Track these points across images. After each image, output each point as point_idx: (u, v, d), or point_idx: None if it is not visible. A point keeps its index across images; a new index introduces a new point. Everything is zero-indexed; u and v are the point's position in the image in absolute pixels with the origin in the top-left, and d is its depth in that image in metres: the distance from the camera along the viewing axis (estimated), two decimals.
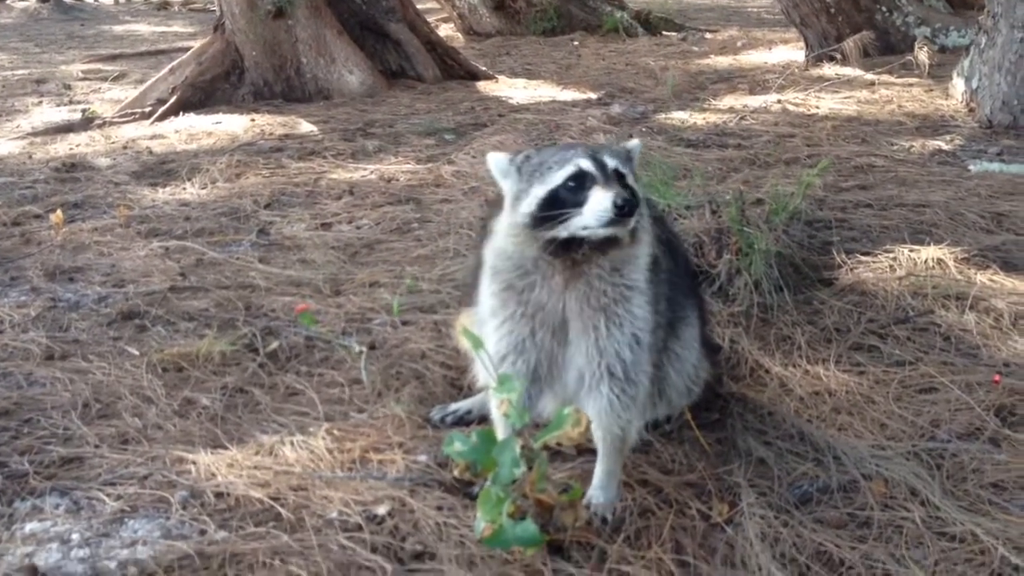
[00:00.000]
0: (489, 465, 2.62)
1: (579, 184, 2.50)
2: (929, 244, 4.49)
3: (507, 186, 2.66)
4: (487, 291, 2.82)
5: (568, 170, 2.52)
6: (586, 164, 2.52)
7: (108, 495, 3.04)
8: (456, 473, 2.92)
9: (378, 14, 10.36)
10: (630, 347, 2.72)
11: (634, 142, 2.80)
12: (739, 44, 13.47)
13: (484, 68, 10.98)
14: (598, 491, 2.85)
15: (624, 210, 2.44)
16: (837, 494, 2.92)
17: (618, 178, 2.53)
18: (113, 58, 14.56)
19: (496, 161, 2.66)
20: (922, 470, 2.98)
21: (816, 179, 4.68)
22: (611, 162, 2.55)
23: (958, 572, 2.59)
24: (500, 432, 2.76)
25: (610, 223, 2.47)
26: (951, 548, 2.68)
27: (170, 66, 9.88)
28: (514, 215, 2.61)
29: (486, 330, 2.83)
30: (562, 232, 2.53)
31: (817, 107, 8.17)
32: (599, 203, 2.45)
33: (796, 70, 10.27)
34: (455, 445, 2.61)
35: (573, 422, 2.57)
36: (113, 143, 8.33)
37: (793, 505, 2.86)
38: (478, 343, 2.70)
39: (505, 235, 2.67)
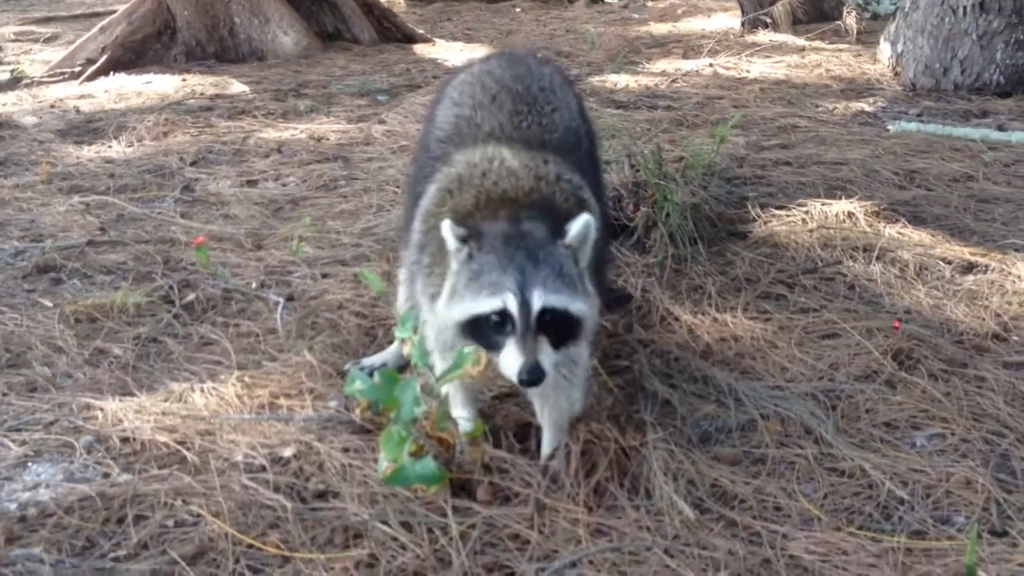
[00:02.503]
0: (391, 404, 2.65)
1: (501, 322, 2.49)
2: (841, 199, 4.57)
3: (452, 264, 2.62)
4: (426, 292, 2.84)
5: (494, 304, 2.49)
6: (512, 305, 2.46)
7: (13, 441, 3.04)
8: (358, 412, 2.94)
9: None
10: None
11: (579, 225, 2.60)
12: (679, 12, 13.49)
13: (422, 32, 10.92)
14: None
15: (528, 384, 2.47)
16: (735, 433, 2.99)
17: (541, 321, 2.47)
18: (47, 20, 14.29)
19: (451, 233, 2.57)
20: (818, 410, 3.06)
21: (729, 133, 4.74)
22: (538, 300, 2.46)
23: (845, 504, 2.68)
24: (456, 395, 2.88)
25: (519, 385, 2.52)
26: (840, 483, 2.76)
27: (100, 25, 9.70)
28: (448, 312, 2.61)
29: (425, 311, 2.86)
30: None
31: (747, 71, 8.23)
32: (508, 363, 2.47)
33: (731, 36, 10.33)
34: (356, 384, 2.63)
35: (473, 361, 2.60)
36: (40, 102, 8.19)
37: (695, 443, 2.92)
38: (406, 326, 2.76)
39: (442, 324, 2.67)
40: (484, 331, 2.53)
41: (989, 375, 3.23)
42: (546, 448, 2.86)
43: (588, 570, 2.42)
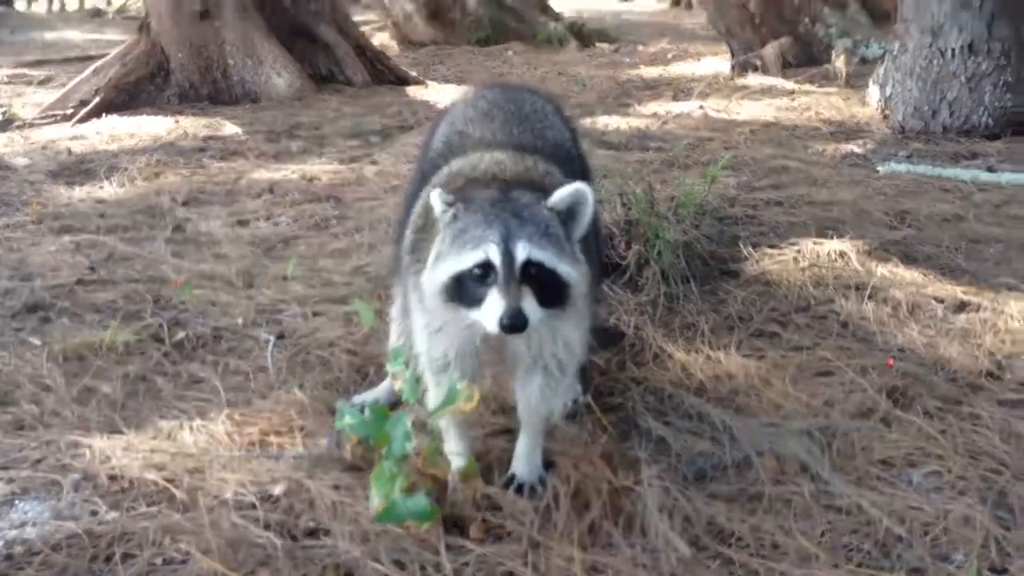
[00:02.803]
0: (382, 440, 2.62)
1: (484, 273, 2.45)
2: (833, 238, 4.58)
3: (440, 233, 2.59)
4: (420, 311, 2.81)
5: (476, 256, 2.45)
6: (494, 254, 2.43)
7: (0, 479, 3.00)
8: (349, 449, 2.91)
9: (307, 18, 10.34)
10: (566, 348, 2.77)
11: (568, 189, 2.58)
12: (669, 56, 13.65)
13: (414, 74, 10.99)
14: (522, 463, 2.89)
15: (509, 329, 2.40)
16: (731, 470, 2.97)
17: (526, 272, 2.44)
18: (40, 63, 14.35)
19: (438, 200, 2.55)
20: (814, 447, 3.04)
21: (719, 173, 4.76)
22: (522, 252, 2.43)
23: (844, 542, 2.65)
24: (448, 431, 2.84)
25: (501, 332, 2.43)
26: (837, 520, 2.73)
27: (93, 67, 9.75)
28: (433, 276, 2.57)
29: (419, 335, 2.85)
30: (466, 318, 2.53)
31: (738, 113, 8.29)
32: (490, 311, 2.42)
33: (721, 79, 10.42)
34: (346, 419, 2.61)
35: (466, 397, 2.58)
36: (32, 144, 8.20)
37: (690, 481, 2.90)
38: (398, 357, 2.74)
39: (427, 293, 2.62)
40: (467, 288, 2.48)
41: (984, 413, 3.21)
42: (520, 449, 2.89)
43: None
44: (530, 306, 2.40)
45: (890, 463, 3.00)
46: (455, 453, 2.82)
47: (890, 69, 7.54)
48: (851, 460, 3.01)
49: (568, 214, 2.56)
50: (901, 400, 3.33)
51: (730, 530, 2.69)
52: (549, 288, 2.47)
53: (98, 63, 9.87)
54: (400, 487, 2.60)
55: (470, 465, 2.74)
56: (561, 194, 2.56)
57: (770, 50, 9.77)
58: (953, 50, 6.86)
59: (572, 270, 2.52)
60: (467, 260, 2.46)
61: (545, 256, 2.45)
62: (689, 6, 28.39)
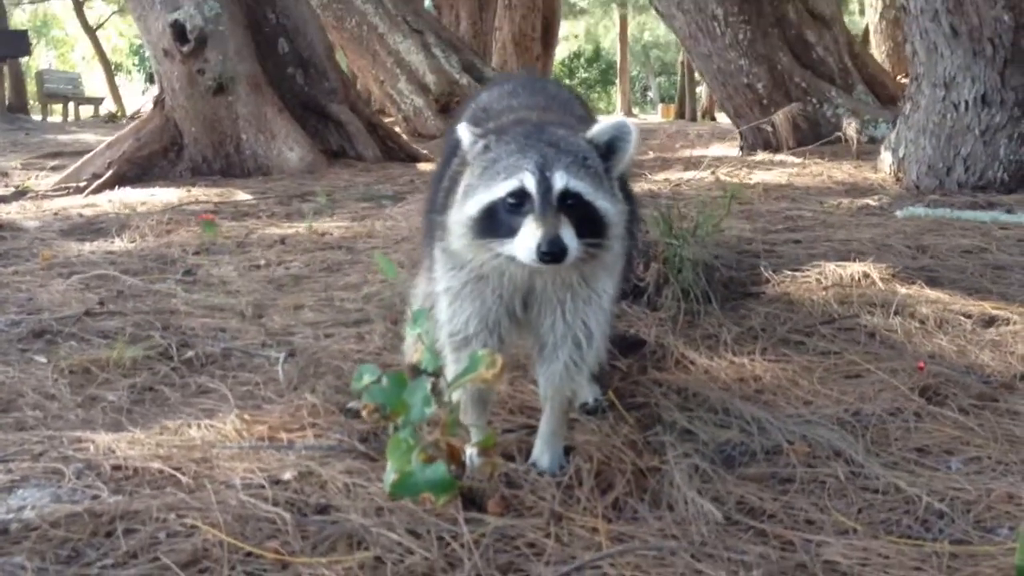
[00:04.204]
0: (399, 408, 2.51)
1: (519, 202, 2.31)
2: (856, 261, 4.50)
3: (466, 169, 2.48)
4: (444, 272, 2.67)
5: (510, 185, 2.31)
6: (529, 182, 2.29)
7: None
8: (364, 415, 2.78)
9: (320, 95, 10.45)
10: (595, 319, 2.63)
11: (607, 123, 2.46)
12: (677, 145, 13.77)
13: (425, 152, 11.07)
14: (543, 452, 2.76)
15: (548, 258, 2.24)
16: (760, 456, 2.84)
17: (563, 203, 2.30)
18: (55, 155, 14.51)
19: (466, 134, 2.46)
20: (846, 435, 2.91)
21: (738, 194, 4.70)
22: (560, 180, 2.30)
23: (882, 518, 2.51)
24: (467, 404, 2.73)
25: (539, 261, 2.27)
26: (874, 499, 2.60)
27: (107, 141, 9.85)
28: (461, 210, 2.43)
29: (440, 304, 2.72)
30: (499, 250, 2.37)
31: (750, 179, 8.29)
32: (525, 241, 2.26)
33: (731, 158, 10.46)
34: (364, 379, 2.50)
35: (488, 364, 2.47)
36: (44, 211, 8.23)
37: (719, 464, 2.77)
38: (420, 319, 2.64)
39: (455, 233, 2.49)
40: (500, 219, 2.33)
41: (1022, 409, 3.09)
42: (541, 436, 2.76)
43: (610, 571, 2.24)
44: (568, 235, 2.25)
45: (926, 451, 2.87)
46: (474, 426, 2.70)
47: (902, 130, 7.54)
48: (886, 448, 2.88)
49: (608, 148, 2.43)
50: (934, 398, 3.21)
51: (761, 508, 2.55)
52: (587, 221, 2.33)
53: (111, 138, 9.96)
54: (417, 457, 2.48)
55: (489, 438, 2.62)
56: (602, 126, 2.44)
57: (781, 116, 9.82)
58: (967, 102, 6.85)
59: (610, 206, 2.38)
60: (500, 189, 2.33)
61: (583, 187, 2.32)
62: (693, 118, 28.88)
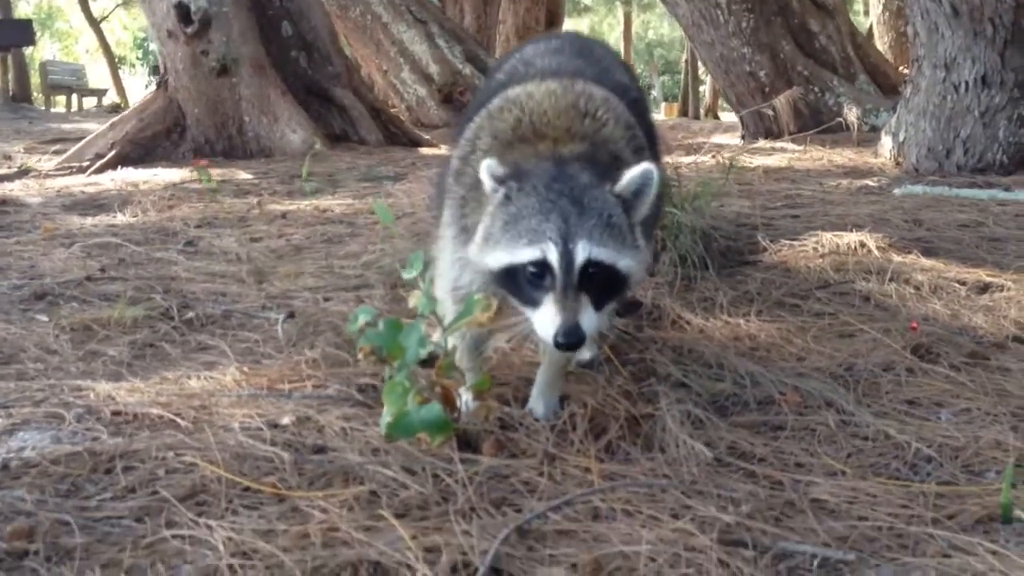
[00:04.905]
0: (395, 351, 2.55)
1: (539, 274, 2.25)
2: (852, 231, 4.52)
3: (488, 206, 2.39)
4: (451, 225, 2.69)
5: (532, 254, 2.24)
6: (552, 255, 2.21)
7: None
8: (360, 357, 2.81)
9: (323, 79, 10.48)
10: None
11: (635, 174, 2.35)
12: (679, 135, 13.79)
13: (427, 137, 11.09)
14: (538, 398, 2.79)
15: (564, 347, 2.22)
16: (753, 405, 2.87)
17: (585, 273, 2.23)
18: (57, 141, 14.54)
19: (490, 171, 2.34)
20: (838, 387, 2.95)
21: (736, 166, 4.73)
22: (582, 252, 2.22)
23: (871, 462, 2.54)
24: (462, 348, 2.76)
25: (555, 348, 2.25)
26: (864, 445, 2.63)
27: (111, 122, 9.88)
28: (481, 256, 2.39)
29: (444, 255, 2.77)
30: (518, 309, 2.38)
31: (750, 162, 8.31)
32: (544, 323, 2.23)
33: (733, 146, 10.48)
34: (359, 319, 2.53)
35: (483, 307, 2.50)
36: (47, 188, 8.26)
37: (711, 412, 2.80)
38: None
39: (474, 264, 2.48)
40: (520, 283, 2.29)
41: (1013, 366, 3.12)
42: (538, 385, 2.79)
43: (600, 505, 2.27)
44: (587, 318, 2.22)
45: (917, 403, 2.90)
46: (470, 370, 2.73)
47: (902, 114, 7.56)
48: (877, 400, 2.91)
49: (633, 195, 2.35)
50: (927, 356, 3.24)
51: (752, 452, 2.59)
52: (607, 286, 2.30)
53: (115, 118, 9.99)
54: (413, 399, 2.51)
55: (484, 381, 2.65)
56: (629, 179, 2.34)
57: (783, 100, 9.84)
58: (967, 83, 6.87)
59: (632, 262, 2.32)
60: (521, 255, 2.27)
61: (606, 254, 2.25)
62: (696, 116, 28.89)
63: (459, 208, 2.60)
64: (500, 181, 2.33)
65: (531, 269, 2.25)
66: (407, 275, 2.64)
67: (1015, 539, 2.14)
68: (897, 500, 2.31)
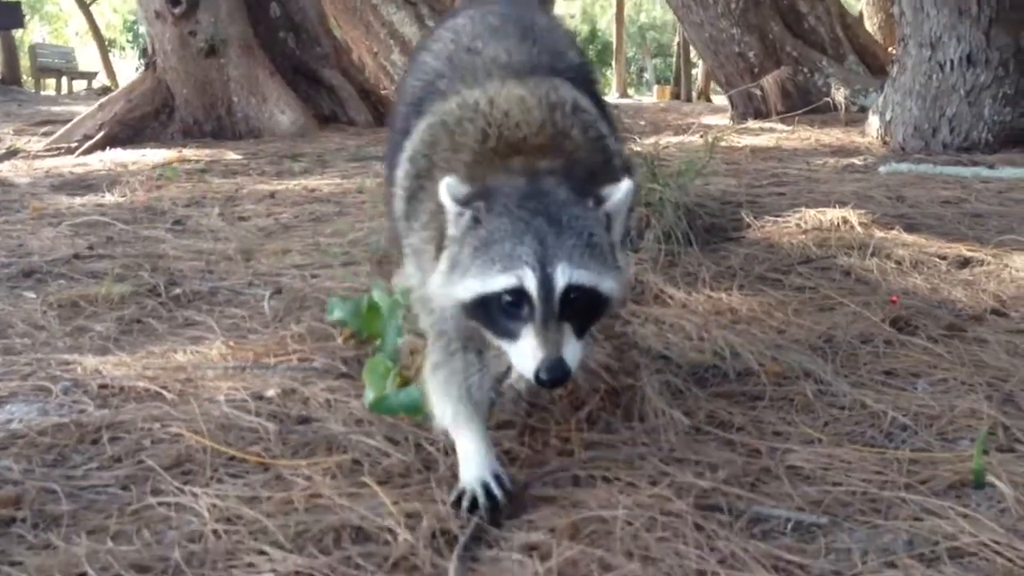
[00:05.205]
0: (372, 330, 2.59)
1: (516, 303, 1.96)
2: (836, 208, 4.56)
3: (450, 231, 2.06)
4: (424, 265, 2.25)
5: (507, 281, 1.96)
6: (529, 281, 1.94)
7: None
8: (340, 340, 2.85)
9: (311, 60, 10.49)
10: None
11: (621, 192, 2.09)
12: (669, 118, 13.82)
13: None
14: (519, 377, 2.46)
15: (548, 384, 1.97)
16: (732, 376, 2.91)
17: (566, 299, 1.95)
18: (46, 123, 14.50)
19: (451, 191, 2.02)
20: (817, 358, 2.98)
21: (720, 140, 4.76)
22: (562, 277, 1.95)
23: (847, 431, 2.58)
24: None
25: (538, 385, 2.00)
26: (841, 414, 2.67)
27: (99, 103, 9.88)
28: (448, 288, 2.06)
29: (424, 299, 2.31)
30: (494, 345, 2.10)
31: (738, 142, 8.34)
32: (524, 358, 1.96)
33: (722, 127, 10.52)
34: (336, 313, 2.57)
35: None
36: (35, 169, 8.26)
37: (691, 383, 2.84)
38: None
39: (439, 302, 2.14)
40: (494, 315, 2.00)
41: (990, 338, 3.16)
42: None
43: (580, 474, 2.31)
44: (571, 350, 1.96)
45: (894, 373, 2.94)
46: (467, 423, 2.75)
47: (889, 94, 7.60)
48: (855, 370, 2.95)
49: (615, 214, 2.11)
50: (905, 328, 3.28)
51: (731, 421, 2.62)
52: (589, 311, 2.04)
53: (103, 99, 9.98)
54: (392, 382, 2.56)
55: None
56: (614, 200, 2.08)
57: (770, 80, 9.87)
58: (952, 62, 6.90)
59: (615, 284, 2.06)
60: (495, 283, 1.98)
61: (587, 276, 1.99)
62: (688, 99, 28.90)
63: (420, 232, 2.26)
64: (464, 202, 2.02)
65: (507, 298, 1.97)
66: (330, 317, 2.66)
67: (986, 503, 2.18)
68: (871, 466, 2.35)
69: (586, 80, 2.66)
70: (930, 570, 1.91)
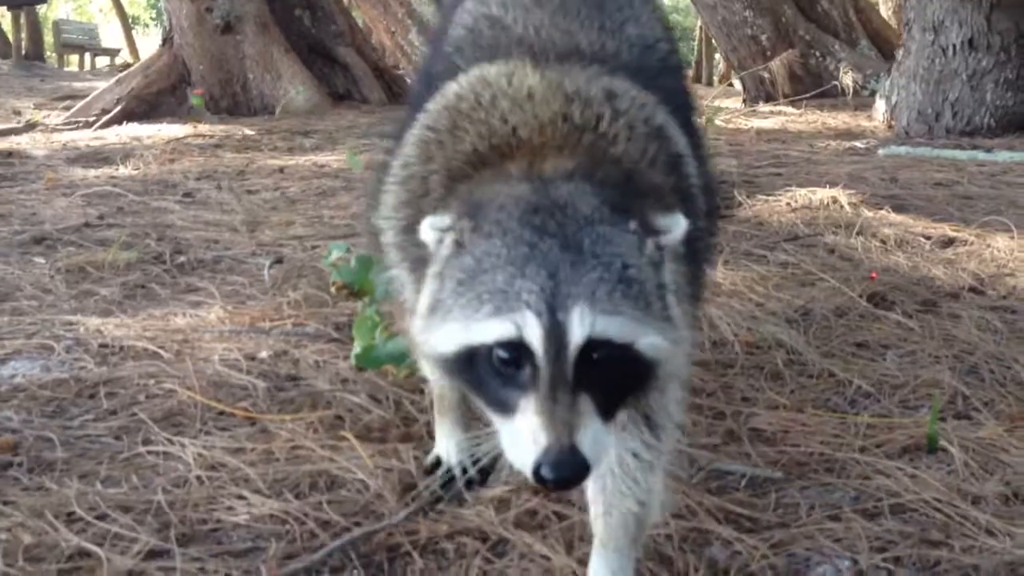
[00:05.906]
0: (365, 286, 2.70)
1: (512, 362, 1.39)
2: (826, 187, 4.65)
3: (432, 267, 1.52)
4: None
5: (500, 330, 1.38)
6: (532, 332, 1.36)
7: None
8: (333, 291, 2.95)
9: (327, 38, 10.58)
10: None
11: (679, 223, 1.48)
12: None
13: None
14: None
15: (553, 484, 1.36)
16: (707, 346, 3.01)
17: (586, 360, 1.36)
18: (67, 98, 14.66)
19: (430, 229, 1.49)
20: (791, 330, 3.08)
21: (718, 111, 4.83)
22: (580, 327, 1.35)
23: (812, 397, 2.68)
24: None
25: (536, 483, 1.38)
26: (809, 382, 2.77)
27: (117, 78, 10.01)
28: (428, 331, 1.50)
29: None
30: (483, 414, 1.54)
31: (745, 125, 8.41)
32: (519, 446, 1.38)
33: (732, 111, 10.57)
34: (333, 254, 2.68)
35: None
36: (53, 142, 8.39)
37: None
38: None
39: (419, 348, 1.59)
40: (482, 376, 1.43)
41: (964, 314, 3.25)
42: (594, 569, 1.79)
43: None
44: (591, 436, 1.36)
45: (865, 345, 3.04)
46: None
47: (895, 77, 7.65)
48: (827, 342, 3.05)
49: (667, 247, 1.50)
50: (881, 303, 3.37)
51: (702, 388, 2.72)
52: (623, 380, 1.45)
53: (121, 75, 10.11)
54: (380, 334, 2.66)
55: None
56: (674, 233, 1.48)
57: (778, 63, 9.92)
58: (954, 46, 6.95)
59: (660, 340, 1.43)
60: (485, 331, 1.40)
61: (617, 327, 1.38)
62: (710, 83, 28.83)
63: (403, 250, 1.78)
64: (444, 228, 1.48)
65: (500, 353, 1.39)
66: (326, 262, 2.76)
67: (936, 465, 2.29)
68: (830, 430, 2.45)
69: (660, 67, 2.06)
70: (870, 523, 2.01)
